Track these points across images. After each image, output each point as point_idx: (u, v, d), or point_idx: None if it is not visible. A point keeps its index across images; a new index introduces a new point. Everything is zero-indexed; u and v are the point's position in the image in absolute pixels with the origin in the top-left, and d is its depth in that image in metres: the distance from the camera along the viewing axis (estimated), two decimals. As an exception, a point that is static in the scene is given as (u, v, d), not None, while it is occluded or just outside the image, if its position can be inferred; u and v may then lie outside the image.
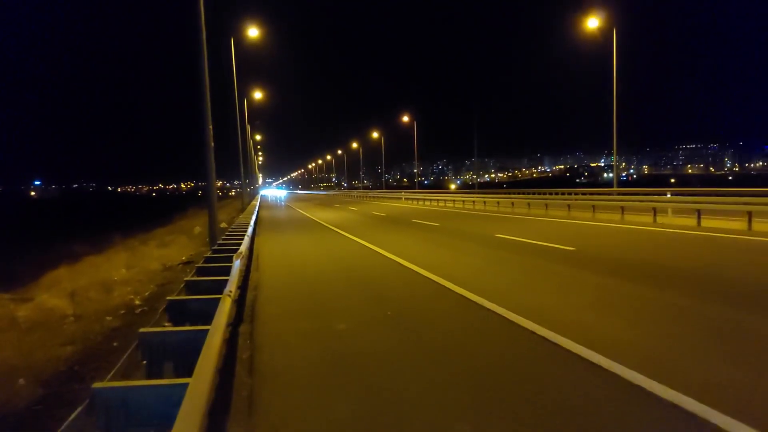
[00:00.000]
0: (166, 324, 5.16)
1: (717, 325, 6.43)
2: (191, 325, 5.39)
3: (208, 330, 3.80)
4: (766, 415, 4.06)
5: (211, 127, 14.45)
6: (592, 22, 31.42)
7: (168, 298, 5.48)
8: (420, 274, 10.74)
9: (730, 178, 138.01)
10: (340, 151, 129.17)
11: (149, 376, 3.88)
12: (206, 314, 4.76)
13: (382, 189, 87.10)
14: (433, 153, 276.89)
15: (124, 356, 4.14)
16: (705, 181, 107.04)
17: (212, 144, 14.44)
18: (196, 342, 3.81)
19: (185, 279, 6.70)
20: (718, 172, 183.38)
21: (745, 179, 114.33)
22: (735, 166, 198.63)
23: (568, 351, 5.55)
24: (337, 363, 5.60)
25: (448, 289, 9.10)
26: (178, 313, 5.18)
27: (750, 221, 15.76)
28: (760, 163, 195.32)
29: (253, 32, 33.08)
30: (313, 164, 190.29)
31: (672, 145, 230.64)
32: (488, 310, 7.50)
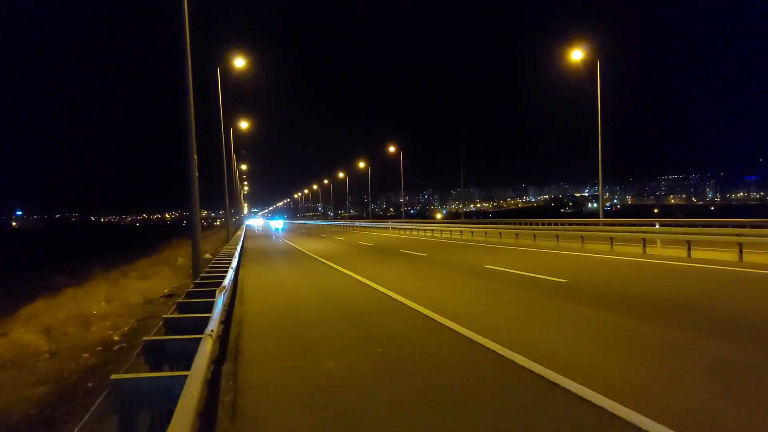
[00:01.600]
0: (143, 366, 4.83)
1: (716, 362, 6.20)
2: (170, 367, 5.06)
3: (186, 376, 3.49)
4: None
5: (195, 156, 14.21)
6: (576, 55, 31.80)
7: (145, 338, 5.14)
8: (410, 307, 10.45)
9: (713, 208, 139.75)
10: (326, 181, 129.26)
11: (122, 429, 3.55)
12: (187, 356, 4.44)
13: (368, 218, 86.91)
14: (419, 182, 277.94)
15: (93, 407, 3.81)
16: (688, 211, 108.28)
17: (196, 174, 14.18)
18: (174, 389, 3.51)
19: (164, 317, 6.36)
20: (700, 203, 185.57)
21: (727, 209, 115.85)
22: (716, 197, 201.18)
23: (566, 390, 5.28)
24: (325, 406, 5.28)
25: (439, 323, 8.82)
26: (156, 354, 4.84)
27: (741, 252, 15.68)
28: (741, 194, 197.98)
29: (239, 62, 33.08)
30: (299, 194, 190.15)
31: (654, 176, 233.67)
32: (481, 345, 7.22)
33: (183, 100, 14.06)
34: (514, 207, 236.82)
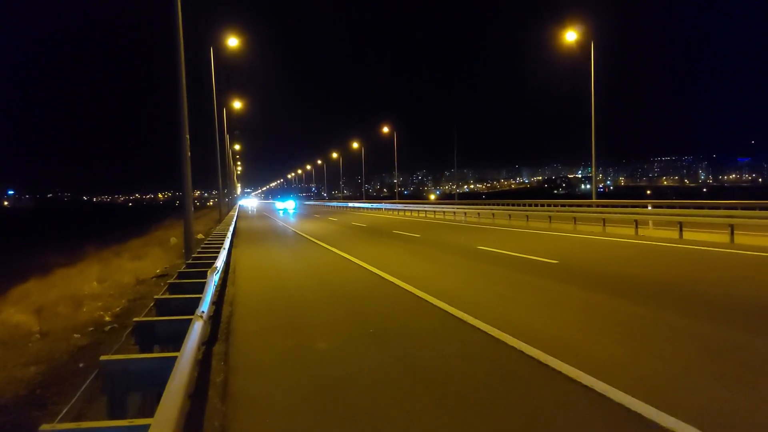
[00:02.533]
0: (133, 347, 4.81)
1: (706, 343, 6.24)
2: (161, 348, 5.05)
3: (176, 358, 3.47)
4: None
5: (188, 136, 14.09)
6: (571, 36, 31.64)
7: (135, 319, 5.12)
8: (402, 288, 10.46)
9: (705, 190, 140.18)
10: (320, 161, 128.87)
11: (111, 410, 3.53)
12: (177, 337, 4.42)
13: (362, 199, 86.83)
14: (413, 163, 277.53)
15: (82, 388, 3.79)
16: (680, 193, 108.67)
17: (189, 154, 14.07)
18: (163, 371, 3.48)
19: (155, 297, 6.33)
20: (693, 184, 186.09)
21: (719, 191, 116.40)
22: (709, 178, 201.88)
23: (559, 372, 5.30)
24: (317, 387, 5.29)
25: (432, 304, 8.83)
26: (146, 335, 4.82)
27: (732, 234, 15.75)
28: (733, 176, 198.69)
29: (232, 41, 32.72)
30: (293, 174, 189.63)
31: (647, 157, 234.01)
32: (472, 326, 7.24)
33: (176, 79, 13.90)
34: (507, 188, 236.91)
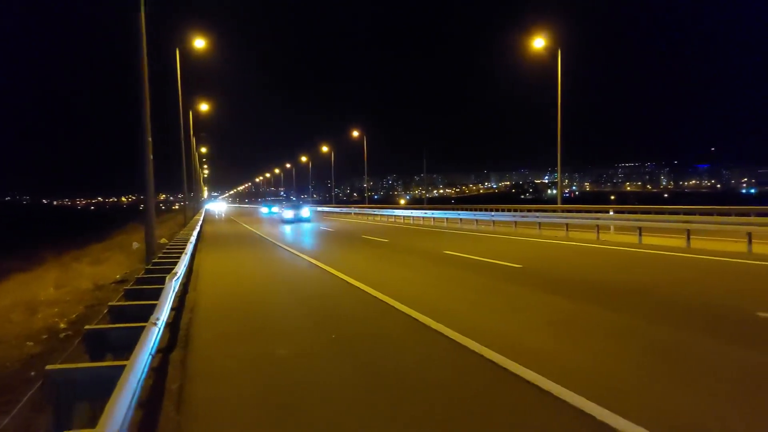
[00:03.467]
0: (84, 356, 4.69)
1: (661, 345, 6.37)
2: (115, 357, 4.93)
3: (124, 366, 3.39)
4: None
5: (150, 139, 13.87)
6: (538, 43, 32.07)
7: (86, 327, 4.99)
8: (368, 293, 10.42)
9: (666, 195, 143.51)
10: (288, 165, 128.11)
11: (57, 421, 3.43)
12: (131, 345, 4.32)
13: (331, 204, 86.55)
14: (383, 168, 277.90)
15: (24, 399, 3.68)
16: (642, 198, 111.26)
17: (151, 157, 13.85)
18: (113, 380, 3.39)
19: (109, 304, 6.19)
20: (655, 190, 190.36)
21: (679, 197, 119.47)
22: (670, 184, 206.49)
23: (515, 375, 5.34)
24: (275, 394, 5.22)
25: (397, 309, 8.81)
26: (97, 343, 4.70)
27: (689, 239, 16.13)
28: (693, 182, 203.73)
29: (199, 43, 32.29)
30: (261, 178, 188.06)
31: (612, 163, 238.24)
32: (437, 332, 7.24)
33: (138, 79, 13.67)
34: (476, 193, 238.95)
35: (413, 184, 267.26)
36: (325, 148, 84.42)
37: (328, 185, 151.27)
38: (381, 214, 45.78)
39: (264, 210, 67.69)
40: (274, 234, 29.37)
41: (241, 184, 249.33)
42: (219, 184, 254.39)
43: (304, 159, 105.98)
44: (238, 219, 54.63)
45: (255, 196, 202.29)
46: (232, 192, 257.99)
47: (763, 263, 12.54)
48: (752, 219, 16.66)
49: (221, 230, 36.53)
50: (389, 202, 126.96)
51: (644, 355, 6.03)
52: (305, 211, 44.44)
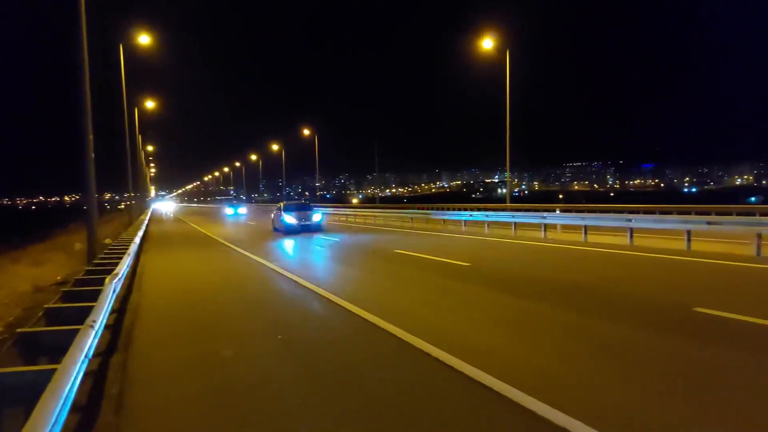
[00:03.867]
0: (17, 360, 4.51)
1: (604, 341, 6.56)
2: (50, 360, 4.76)
3: (55, 370, 3.28)
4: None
5: (91, 136, 13.46)
6: (487, 44, 32.54)
7: (19, 330, 4.80)
8: (316, 292, 10.37)
9: (612, 194, 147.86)
10: (238, 164, 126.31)
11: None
12: (67, 348, 4.19)
13: (283, 202, 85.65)
14: (336, 167, 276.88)
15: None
16: (589, 197, 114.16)
17: (93, 155, 13.44)
18: (45, 385, 3.28)
19: (45, 306, 5.97)
20: (601, 189, 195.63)
21: (624, 195, 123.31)
22: (616, 183, 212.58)
23: (464, 375, 5.40)
24: (217, 395, 5.14)
25: (346, 309, 8.80)
26: (31, 347, 4.53)
27: (632, 237, 16.64)
28: (638, 181, 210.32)
29: (144, 39, 31.47)
30: (210, 177, 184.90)
31: (560, 163, 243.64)
32: (385, 331, 7.25)
33: (78, 75, 13.23)
34: (428, 192, 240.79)
35: (366, 183, 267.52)
36: (275, 147, 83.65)
37: (279, 184, 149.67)
38: (333, 213, 45.61)
39: (229, 211, 61.17)
40: (220, 233, 28.91)
41: (190, 182, 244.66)
42: (167, 182, 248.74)
43: (254, 158, 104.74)
44: (186, 218, 53.51)
45: (205, 195, 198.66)
46: (180, 191, 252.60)
47: (700, 260, 13.05)
48: (691, 217, 17.30)
49: (168, 230, 35.74)
50: (342, 201, 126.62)
51: (587, 351, 6.20)
52: (317, 216, 27.88)
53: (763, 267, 11.82)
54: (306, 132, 68.53)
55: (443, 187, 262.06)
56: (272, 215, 30.66)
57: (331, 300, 9.54)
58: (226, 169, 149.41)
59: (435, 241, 20.41)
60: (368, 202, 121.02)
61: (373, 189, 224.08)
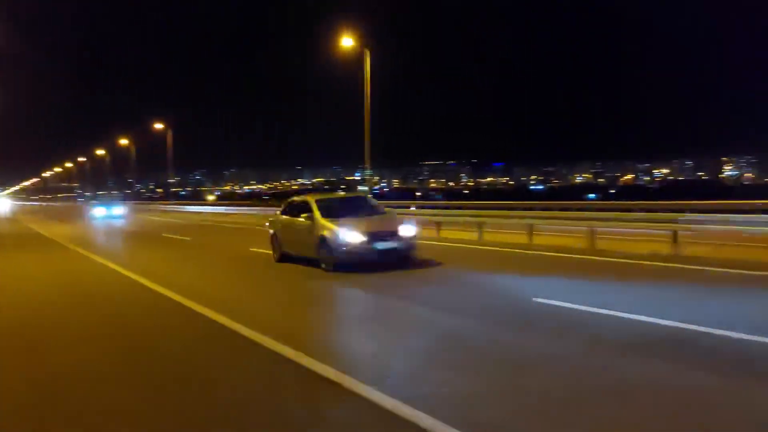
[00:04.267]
0: None
1: (451, 334, 6.75)
2: None
3: None
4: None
5: None
6: (347, 42, 32.65)
7: None
8: (164, 295, 9.74)
9: (466, 192, 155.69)
10: (83, 159, 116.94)
11: None
12: None
13: (136, 200, 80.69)
14: (191, 162, 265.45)
15: None
16: (446, 193, 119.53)
17: None
18: None
19: None
20: (456, 186, 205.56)
21: (477, 193, 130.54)
22: (470, 181, 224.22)
23: (198, 313, 5.29)
24: (35, 387, 4.65)
25: (198, 312, 8.27)
26: None
27: (480, 231, 17.43)
28: (490, 178, 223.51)
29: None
30: (51, 172, 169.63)
31: (417, 161, 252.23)
32: (237, 334, 6.94)
33: None
34: (289, 189, 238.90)
35: (223, 180, 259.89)
36: (125, 141, 78.36)
37: (128, 181, 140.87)
38: (187, 211, 43.87)
39: (99, 212, 43.08)
40: (62, 233, 26.60)
41: (28, 179, 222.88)
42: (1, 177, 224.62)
43: (101, 152, 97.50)
44: (24, 216, 48.53)
45: (44, 192, 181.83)
46: (17, 187, 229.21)
47: (539, 253, 13.96)
48: (534, 213, 18.53)
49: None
50: (198, 198, 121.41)
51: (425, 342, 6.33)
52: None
53: (597, 259, 12.85)
54: (159, 126, 64.86)
55: (305, 184, 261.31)
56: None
57: (180, 302, 9.02)
58: (68, 165, 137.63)
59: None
60: (226, 198, 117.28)
61: (232, 186, 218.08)
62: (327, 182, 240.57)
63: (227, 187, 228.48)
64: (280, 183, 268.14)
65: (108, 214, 41.99)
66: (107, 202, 59.07)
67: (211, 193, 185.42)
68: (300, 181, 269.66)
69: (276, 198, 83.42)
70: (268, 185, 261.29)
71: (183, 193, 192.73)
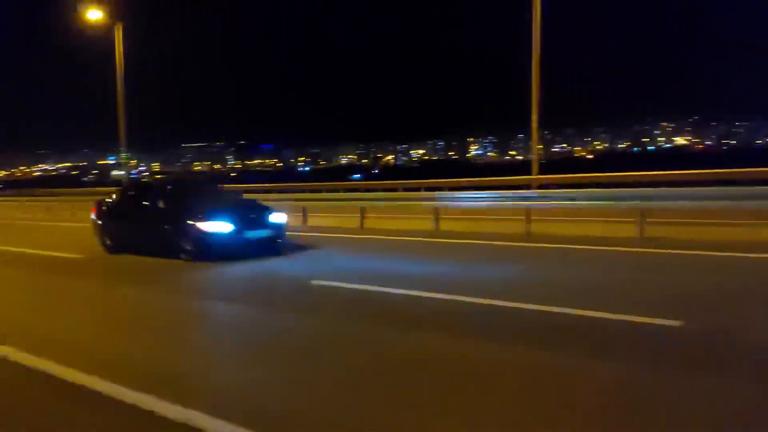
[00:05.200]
0: None
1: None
2: None
3: None
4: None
5: None
6: (94, 15, 29.48)
7: None
8: None
9: (233, 174, 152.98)
10: None
11: None
12: None
13: None
14: None
15: None
16: (212, 177, 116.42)
17: None
18: None
19: None
20: (223, 169, 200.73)
21: (245, 174, 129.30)
22: (238, 163, 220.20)
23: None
24: None
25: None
26: None
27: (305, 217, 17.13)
28: (258, 161, 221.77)
29: None
30: None
31: (179, 143, 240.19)
32: None
33: None
34: (29, 176, 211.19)
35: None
36: None
37: None
38: None
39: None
40: None
41: None
42: None
43: None
44: None
45: None
46: None
47: (306, 234, 14.27)
48: (304, 195, 18.78)
49: None
50: None
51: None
52: None
53: (359, 237, 13.52)
54: None
55: (49, 170, 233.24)
56: None
57: None
58: None
59: (40, 234, 17.95)
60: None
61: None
62: (75, 167, 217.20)
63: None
64: (18, 170, 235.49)
65: None
66: None
67: None
68: (42, 167, 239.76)
69: (10, 187, 72.29)
70: (4, 172, 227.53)
71: None
